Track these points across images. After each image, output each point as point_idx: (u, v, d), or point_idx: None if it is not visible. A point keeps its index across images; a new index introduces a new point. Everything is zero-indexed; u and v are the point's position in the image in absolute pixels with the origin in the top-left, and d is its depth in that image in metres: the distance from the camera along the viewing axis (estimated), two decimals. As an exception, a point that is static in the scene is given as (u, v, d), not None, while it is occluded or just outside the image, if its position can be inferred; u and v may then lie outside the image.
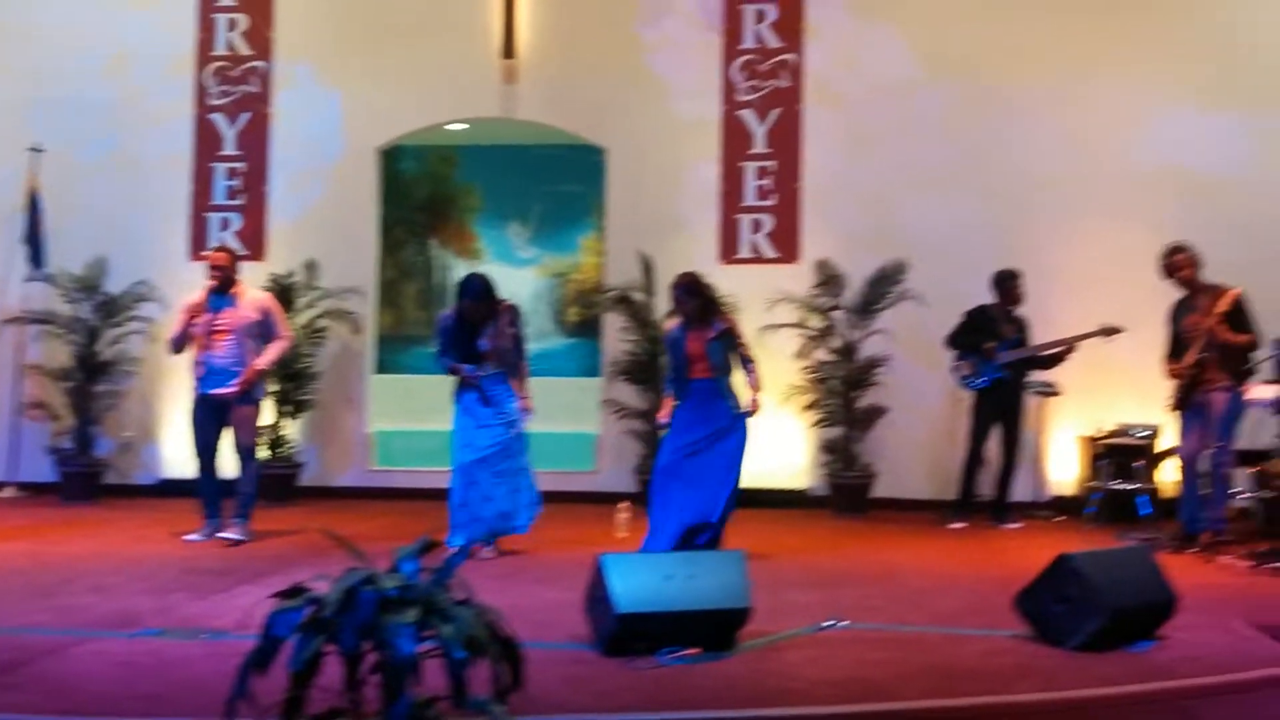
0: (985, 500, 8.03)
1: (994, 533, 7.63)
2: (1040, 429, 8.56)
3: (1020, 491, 8.26)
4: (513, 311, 6.52)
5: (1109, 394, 8.37)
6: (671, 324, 6.62)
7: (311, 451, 9.25)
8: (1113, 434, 8.27)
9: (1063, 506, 8.46)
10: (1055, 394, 8.34)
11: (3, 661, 3.88)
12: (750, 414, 6.34)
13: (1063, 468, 8.70)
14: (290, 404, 8.96)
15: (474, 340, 6.36)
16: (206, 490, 6.83)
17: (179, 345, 6.84)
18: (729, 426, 6.26)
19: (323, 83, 9.43)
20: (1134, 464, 8.12)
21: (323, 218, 9.37)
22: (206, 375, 6.73)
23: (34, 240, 9.04)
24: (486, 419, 6.37)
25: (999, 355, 7.83)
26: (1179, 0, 8.85)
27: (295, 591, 3.03)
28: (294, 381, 8.92)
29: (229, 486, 6.84)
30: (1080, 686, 3.80)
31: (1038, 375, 8.14)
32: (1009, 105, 8.87)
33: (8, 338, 9.10)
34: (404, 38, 9.31)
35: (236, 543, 6.58)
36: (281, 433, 8.92)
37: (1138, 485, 8.09)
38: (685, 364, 6.34)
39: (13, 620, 4.56)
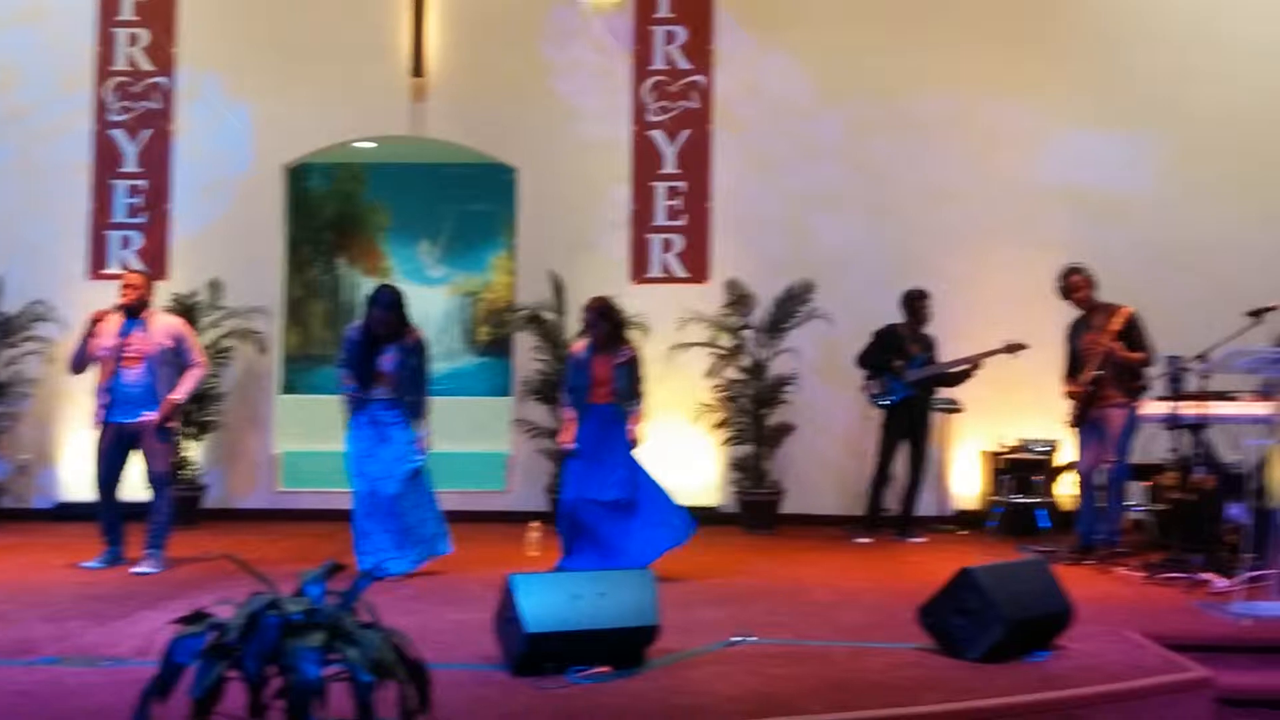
0: (891, 516, 8.18)
1: (899, 547, 7.78)
2: (944, 445, 8.77)
3: (925, 506, 8.45)
4: (419, 343, 6.39)
5: (1010, 410, 8.61)
6: (579, 346, 6.64)
7: (216, 474, 9.07)
8: (1013, 449, 8.49)
9: (966, 520, 8.67)
10: (958, 410, 8.56)
11: (-113, 695, 3.74)
12: (634, 445, 6.45)
13: (966, 482, 8.91)
14: (194, 425, 8.77)
15: (375, 358, 6.25)
16: (106, 518, 6.57)
17: (80, 365, 6.56)
18: (636, 478, 6.38)
19: (228, 99, 9.28)
20: (1034, 478, 8.35)
21: (228, 236, 9.21)
22: (114, 403, 6.44)
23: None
24: (374, 446, 6.26)
25: (907, 374, 8.01)
26: (1068, 28, 9.13)
27: (197, 617, 3.00)
28: (198, 402, 8.72)
29: (130, 510, 6.64)
30: (981, 697, 3.90)
31: (943, 392, 8.35)
32: (911, 127, 9.09)
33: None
34: (311, 54, 9.22)
35: (150, 574, 6.30)
36: (185, 455, 8.73)
37: (1037, 499, 8.33)
38: (588, 387, 6.41)
39: (-102, 652, 4.40)
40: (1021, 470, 8.39)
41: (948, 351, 8.19)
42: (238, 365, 9.08)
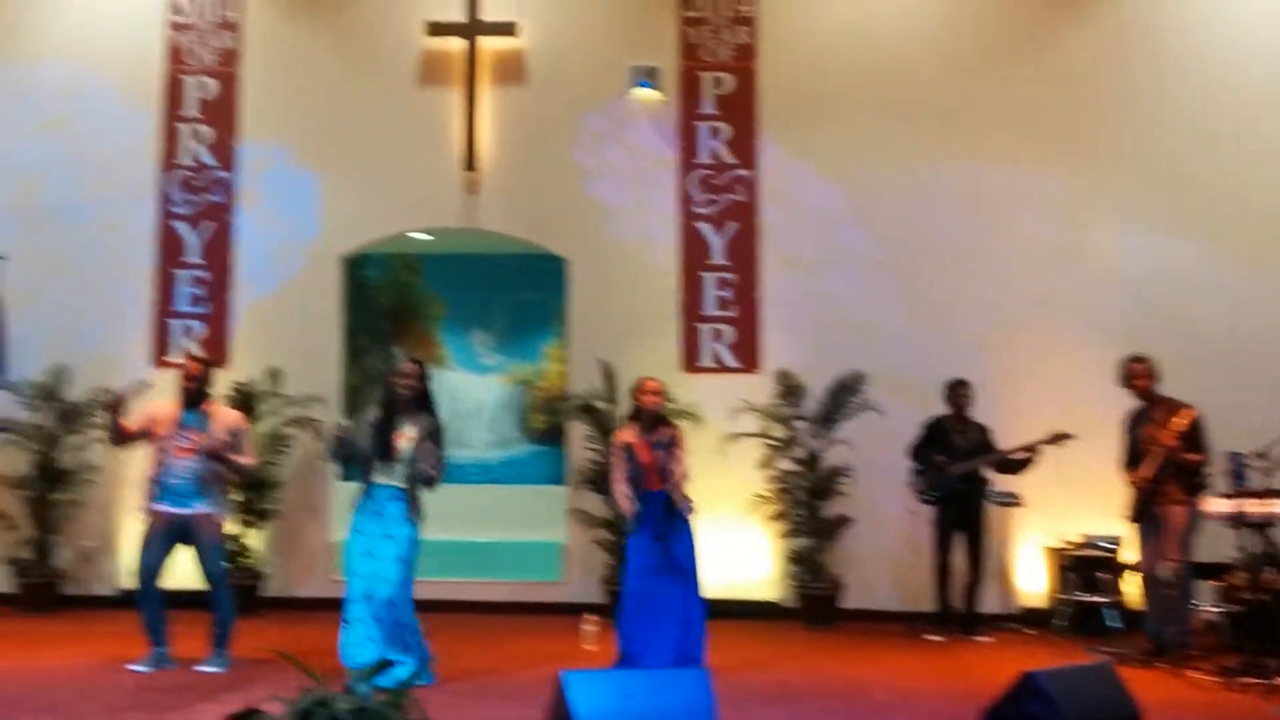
0: (956, 612, 8.01)
1: (963, 646, 7.59)
2: (1006, 539, 8.58)
3: (990, 603, 8.25)
4: (439, 426, 6.12)
5: (1071, 503, 8.43)
6: (627, 434, 6.54)
7: (275, 562, 9.11)
8: (1078, 545, 8.29)
9: (1032, 618, 8.43)
10: (1017, 504, 8.39)
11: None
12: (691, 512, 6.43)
13: (1030, 579, 8.70)
14: (253, 513, 8.85)
15: (392, 436, 6.01)
16: (149, 611, 6.40)
17: (122, 439, 6.52)
18: (687, 543, 6.36)
19: (287, 192, 9.50)
20: (1100, 575, 8.13)
21: (287, 325, 9.38)
22: (164, 492, 6.42)
23: (-2, 348, 9.02)
24: (376, 543, 5.98)
25: (950, 468, 7.90)
26: (1099, 116, 9.09)
27: (249, 715, 2.98)
28: (257, 490, 8.82)
29: (179, 599, 6.55)
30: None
31: (999, 485, 8.20)
32: (966, 218, 9.08)
33: (-37, 446, 8.97)
34: (367, 149, 9.46)
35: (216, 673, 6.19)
36: (244, 543, 8.79)
37: (1105, 597, 8.10)
38: (642, 475, 6.36)
39: (-42, 745, 4.43)
40: (1086, 567, 8.17)
41: (1004, 439, 8.06)
42: (296, 453, 9.17)
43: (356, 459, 6.12)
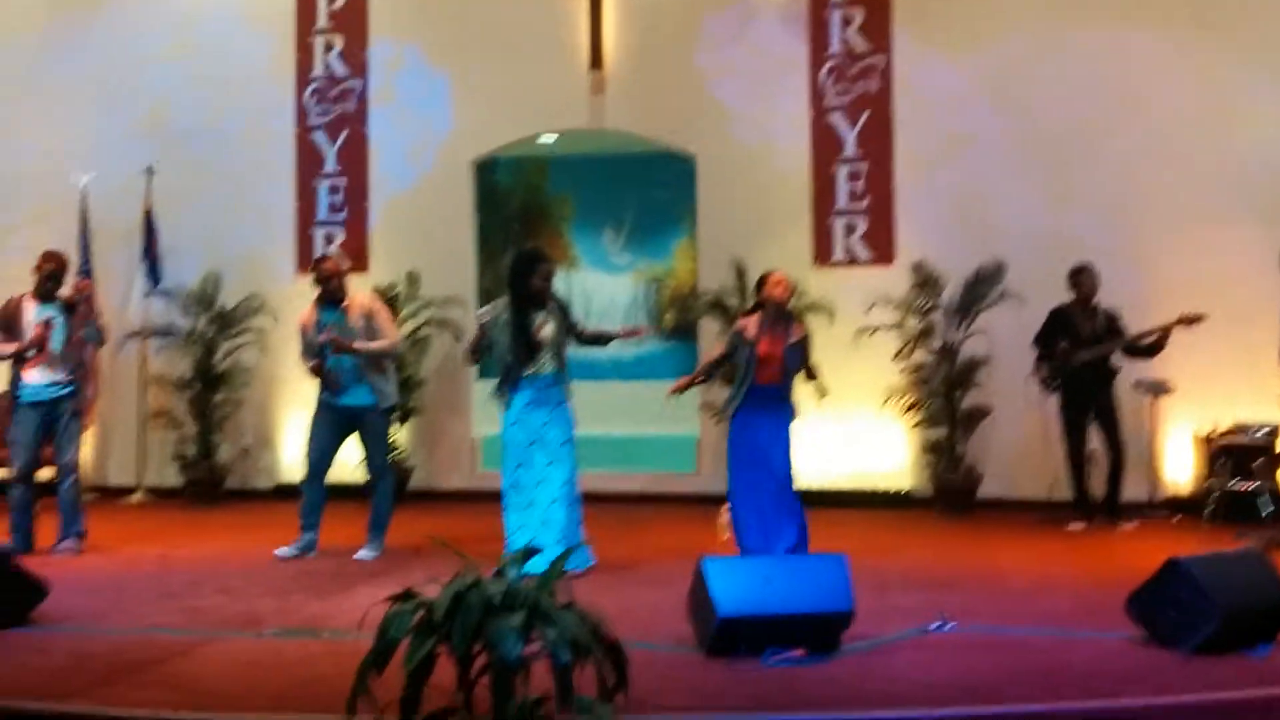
0: (1099, 500, 7.87)
1: (1107, 534, 7.45)
2: (1154, 428, 8.33)
3: (1135, 491, 8.06)
4: (567, 305, 6.21)
5: (1224, 390, 8.14)
6: (747, 322, 6.33)
7: (420, 457, 9.47)
8: (1229, 432, 8.02)
9: (1180, 506, 8.23)
10: (1167, 391, 8.14)
11: (137, 661, 4.08)
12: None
13: (1178, 466, 8.47)
14: (397, 411, 9.19)
15: (532, 330, 5.97)
16: (308, 501, 6.58)
17: (312, 353, 6.59)
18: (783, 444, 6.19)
19: (416, 98, 9.64)
20: (1252, 463, 7.87)
21: (422, 230, 9.59)
22: (326, 386, 6.55)
23: (150, 258, 9.50)
24: (539, 431, 5.99)
25: (1075, 355, 7.67)
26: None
27: (407, 596, 3.15)
28: (401, 389, 9.14)
29: (337, 492, 6.79)
30: (1193, 691, 3.72)
31: (1152, 373, 7.95)
32: (1107, 102, 8.67)
33: (132, 351, 9.51)
34: (493, 53, 9.48)
35: (369, 560, 6.41)
36: (393, 439, 9.16)
37: (1257, 484, 7.84)
38: (754, 366, 6.18)
39: (146, 621, 4.79)
40: (1239, 454, 7.89)
41: (1148, 323, 7.68)
42: (435, 353, 9.46)
43: (495, 352, 6.13)
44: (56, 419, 6.66)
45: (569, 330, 6.14)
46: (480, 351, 6.30)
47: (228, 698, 3.68)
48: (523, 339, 5.96)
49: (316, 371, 6.53)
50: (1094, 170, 8.69)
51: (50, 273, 6.76)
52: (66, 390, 6.67)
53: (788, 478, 6.14)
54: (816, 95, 9.13)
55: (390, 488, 6.73)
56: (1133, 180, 8.61)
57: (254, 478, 9.60)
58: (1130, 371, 7.98)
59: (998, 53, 8.87)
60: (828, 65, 9.13)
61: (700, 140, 9.34)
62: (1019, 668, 4.04)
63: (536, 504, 5.95)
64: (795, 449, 6.25)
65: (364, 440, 6.62)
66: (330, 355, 6.49)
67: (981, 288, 8.38)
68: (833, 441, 8.48)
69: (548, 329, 6.03)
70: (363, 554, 6.50)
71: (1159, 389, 8.12)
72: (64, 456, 6.67)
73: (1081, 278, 7.79)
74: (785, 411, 6.24)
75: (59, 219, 9.54)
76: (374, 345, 6.53)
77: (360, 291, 6.79)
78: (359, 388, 6.54)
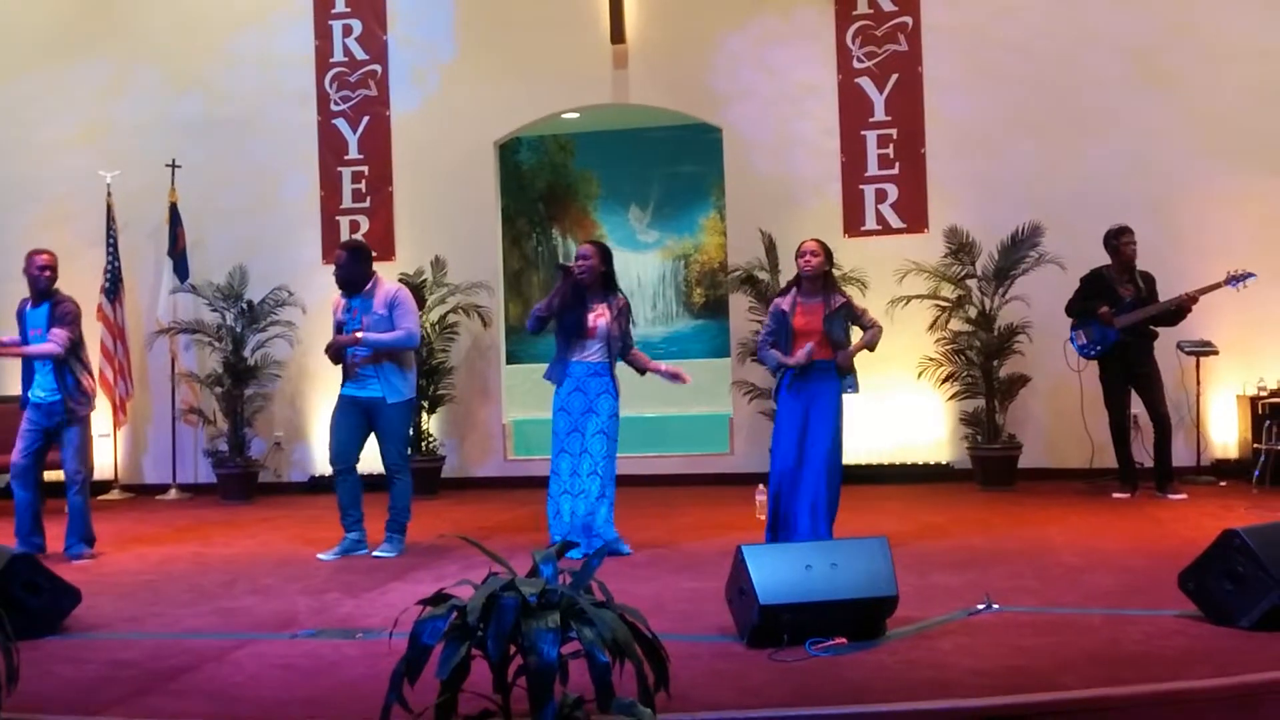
0: (1144, 468, 7.68)
1: (1154, 504, 7.28)
2: (1198, 390, 8.14)
3: (1180, 456, 7.89)
4: (627, 304, 6.19)
5: (1271, 350, 7.94)
6: (783, 299, 6.03)
7: (451, 444, 9.42)
8: (1275, 392, 7.82)
9: (1226, 470, 8.06)
10: (1212, 352, 7.93)
11: (173, 668, 4.03)
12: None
13: (1223, 430, 8.28)
14: (428, 399, 9.14)
15: (586, 315, 5.98)
16: (342, 498, 6.36)
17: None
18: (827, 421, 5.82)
19: (437, 81, 9.55)
20: (1301, 423, 7.68)
21: (447, 214, 9.51)
22: (346, 377, 6.37)
23: (176, 253, 9.46)
24: (579, 419, 5.98)
25: (1115, 319, 7.45)
26: None
27: (439, 599, 3.06)
28: (430, 377, 9.09)
29: (367, 487, 6.53)
30: (1258, 670, 3.58)
31: (1196, 334, 7.74)
32: (1139, 59, 8.45)
33: (161, 347, 9.50)
34: (513, 32, 9.37)
35: (390, 558, 6.21)
36: (423, 427, 9.11)
37: (1306, 445, 7.66)
38: (791, 340, 5.89)
39: (180, 625, 4.75)
40: (1286, 415, 7.72)
41: (1191, 285, 7.49)
42: (464, 339, 9.39)
43: (554, 320, 6.05)
44: (55, 426, 6.41)
45: (620, 334, 6.07)
46: (544, 319, 6.10)
47: (262, 706, 3.62)
48: (573, 320, 5.97)
49: (334, 359, 6.39)
50: (1132, 130, 8.48)
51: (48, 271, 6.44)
52: (57, 397, 6.36)
53: (823, 462, 5.75)
54: (844, 58, 8.95)
55: (407, 485, 6.43)
56: (1171, 139, 8.40)
57: (287, 471, 9.59)
58: (1173, 334, 7.79)
59: (1028, 9, 8.65)
60: (854, 27, 8.94)
61: (725, 110, 9.19)
62: (1070, 649, 3.90)
63: (569, 493, 5.98)
64: (842, 428, 5.85)
65: (377, 434, 6.37)
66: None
67: (1018, 251, 8.20)
68: (870, 416, 8.35)
69: (603, 321, 6.01)
70: (381, 551, 6.31)
71: (1203, 350, 7.92)
72: (65, 466, 6.45)
73: (1121, 240, 7.56)
74: (832, 387, 5.82)
75: (87, 217, 9.53)
76: (384, 336, 6.25)
77: (387, 281, 6.55)
78: (372, 380, 6.30)
